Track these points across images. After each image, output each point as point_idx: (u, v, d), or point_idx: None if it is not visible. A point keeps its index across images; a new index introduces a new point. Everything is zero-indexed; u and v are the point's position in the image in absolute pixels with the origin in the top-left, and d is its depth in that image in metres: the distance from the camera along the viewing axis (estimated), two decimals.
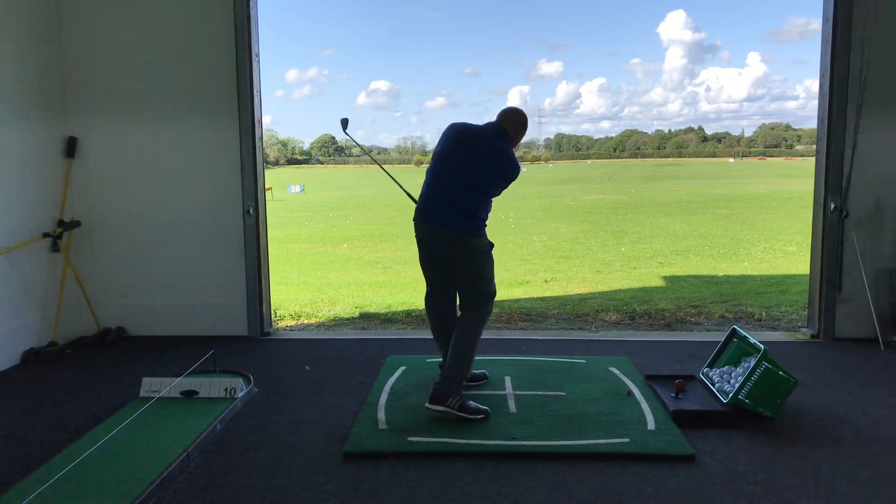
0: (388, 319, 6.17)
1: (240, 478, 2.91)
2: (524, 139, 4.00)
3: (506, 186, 3.77)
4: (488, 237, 3.76)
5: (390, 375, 4.18)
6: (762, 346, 3.57)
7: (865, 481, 2.85)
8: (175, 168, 5.11)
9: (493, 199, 3.75)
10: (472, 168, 3.62)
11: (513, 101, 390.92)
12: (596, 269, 9.63)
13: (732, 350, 3.98)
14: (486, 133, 3.74)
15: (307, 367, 4.43)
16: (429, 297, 3.95)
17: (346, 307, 6.75)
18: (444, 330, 3.88)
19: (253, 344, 5.05)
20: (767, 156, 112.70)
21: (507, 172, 3.69)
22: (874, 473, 2.92)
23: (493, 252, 3.77)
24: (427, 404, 3.50)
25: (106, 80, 5.04)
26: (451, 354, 3.59)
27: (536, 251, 11.61)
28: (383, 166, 4.62)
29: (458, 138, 3.72)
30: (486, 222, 3.75)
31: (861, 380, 4.11)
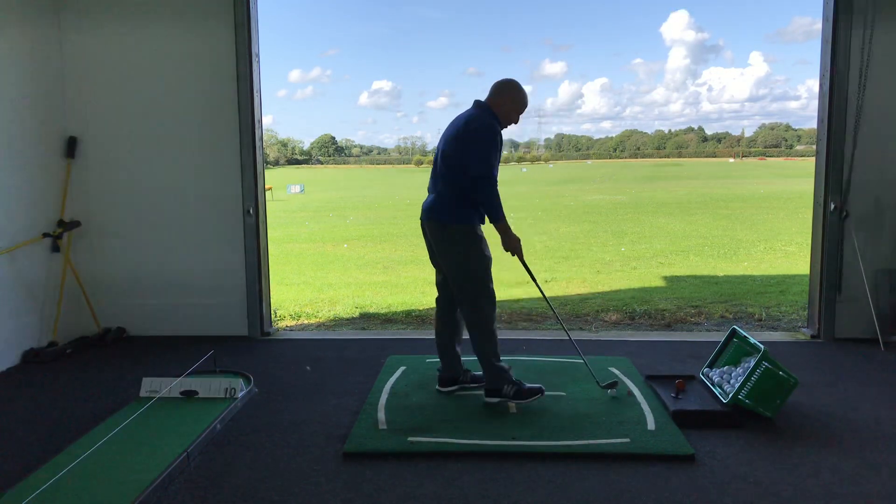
0: (388, 319, 6.18)
1: (240, 478, 2.91)
2: (524, 116, 3.65)
3: (484, 156, 3.36)
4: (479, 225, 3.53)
5: (390, 375, 4.18)
6: (762, 346, 3.57)
7: (865, 481, 2.85)
8: (175, 169, 5.10)
9: (494, 179, 3.38)
10: (447, 149, 3.54)
11: None
12: (596, 269, 9.64)
13: (732, 350, 3.98)
14: (464, 114, 3.60)
15: (307, 368, 4.43)
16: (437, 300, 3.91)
17: (346, 307, 6.75)
18: (442, 333, 3.87)
19: (253, 344, 5.05)
20: (767, 156, 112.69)
21: (473, 137, 3.38)
22: (874, 473, 2.92)
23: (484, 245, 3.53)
24: (485, 399, 3.70)
25: (105, 77, 5.04)
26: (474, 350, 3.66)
27: (536, 251, 11.60)
28: None
29: (446, 129, 3.68)
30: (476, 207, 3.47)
31: (861, 380, 4.11)
